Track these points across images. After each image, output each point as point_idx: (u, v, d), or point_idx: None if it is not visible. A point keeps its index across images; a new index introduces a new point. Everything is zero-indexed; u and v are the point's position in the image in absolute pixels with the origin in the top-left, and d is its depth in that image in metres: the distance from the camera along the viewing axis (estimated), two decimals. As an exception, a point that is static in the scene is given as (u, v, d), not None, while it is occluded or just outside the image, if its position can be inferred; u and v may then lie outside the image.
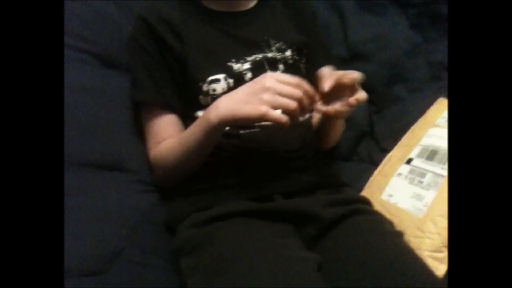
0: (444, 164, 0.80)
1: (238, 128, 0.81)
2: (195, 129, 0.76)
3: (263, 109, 0.66)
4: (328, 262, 0.68)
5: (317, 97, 0.71)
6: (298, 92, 0.67)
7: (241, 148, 0.80)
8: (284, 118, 0.66)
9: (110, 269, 0.69)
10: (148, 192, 0.84)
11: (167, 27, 0.82)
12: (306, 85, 0.69)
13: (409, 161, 0.85)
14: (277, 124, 0.67)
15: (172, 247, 0.75)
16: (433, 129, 0.87)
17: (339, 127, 0.94)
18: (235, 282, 0.60)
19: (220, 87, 0.81)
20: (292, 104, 0.66)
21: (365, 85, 1.09)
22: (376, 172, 0.91)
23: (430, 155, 0.83)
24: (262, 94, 0.67)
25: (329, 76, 0.72)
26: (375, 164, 0.94)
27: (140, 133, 0.87)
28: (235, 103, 0.70)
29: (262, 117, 0.66)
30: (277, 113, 0.66)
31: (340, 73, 0.72)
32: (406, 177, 0.84)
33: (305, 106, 0.68)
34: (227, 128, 0.80)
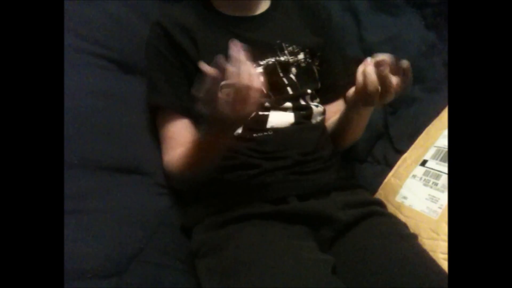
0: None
1: (252, 132, 0.82)
2: (206, 148, 0.76)
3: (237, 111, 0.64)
4: (343, 264, 0.69)
5: None
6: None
7: (256, 150, 0.81)
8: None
9: (128, 270, 0.70)
10: (166, 195, 0.86)
11: (182, 32, 0.84)
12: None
13: (423, 163, 0.85)
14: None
15: (188, 249, 0.77)
16: (446, 130, 0.86)
17: (362, 125, 0.94)
18: (252, 284, 0.61)
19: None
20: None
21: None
22: (390, 174, 0.90)
23: (445, 156, 0.82)
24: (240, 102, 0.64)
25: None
26: (390, 165, 0.94)
27: (157, 137, 0.88)
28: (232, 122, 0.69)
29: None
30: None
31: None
32: (421, 179, 0.83)
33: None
34: (240, 131, 0.81)
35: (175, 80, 0.84)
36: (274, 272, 0.62)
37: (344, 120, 0.88)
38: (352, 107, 0.83)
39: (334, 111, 0.95)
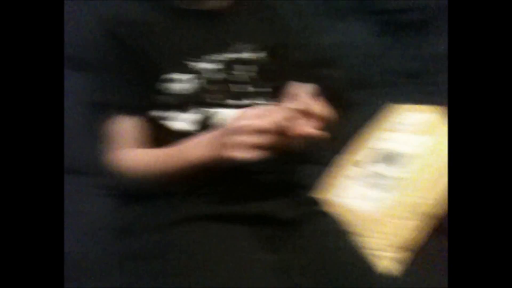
0: (393, 166, 0.82)
1: (204, 129, 0.80)
2: (174, 161, 0.76)
3: (231, 153, 0.65)
4: (285, 263, 0.71)
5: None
6: (268, 125, 0.65)
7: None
8: (252, 154, 0.64)
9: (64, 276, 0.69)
10: (106, 196, 0.84)
11: (135, 28, 0.82)
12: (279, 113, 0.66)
13: (358, 164, 0.88)
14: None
15: (130, 252, 0.75)
16: (384, 133, 0.89)
17: None
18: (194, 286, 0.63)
19: (186, 86, 0.80)
20: (263, 139, 0.64)
21: (327, 90, 1.12)
22: (329, 174, 0.93)
23: (380, 158, 0.85)
24: (232, 137, 0.66)
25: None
26: (330, 166, 0.96)
27: (98, 136, 0.85)
28: (212, 146, 0.70)
29: (233, 160, 0.66)
30: (243, 154, 0.64)
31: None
32: (357, 179, 0.86)
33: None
34: (190, 129, 0.80)
35: (126, 77, 0.82)
36: (214, 274, 0.63)
37: None
38: None
39: None
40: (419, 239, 0.77)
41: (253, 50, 0.87)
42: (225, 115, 0.82)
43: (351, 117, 1.11)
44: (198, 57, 0.82)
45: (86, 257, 0.74)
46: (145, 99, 0.83)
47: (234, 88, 0.84)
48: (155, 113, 0.83)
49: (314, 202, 0.84)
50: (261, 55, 0.88)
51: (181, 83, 0.81)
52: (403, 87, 1.02)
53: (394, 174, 0.81)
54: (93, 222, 0.79)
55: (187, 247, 0.69)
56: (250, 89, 0.85)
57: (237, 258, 0.67)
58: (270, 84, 0.88)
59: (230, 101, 0.82)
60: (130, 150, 0.81)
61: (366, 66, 1.17)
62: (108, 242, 0.79)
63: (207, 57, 0.83)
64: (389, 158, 0.85)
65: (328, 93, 1.09)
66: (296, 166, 0.95)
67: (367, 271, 0.69)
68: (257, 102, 0.85)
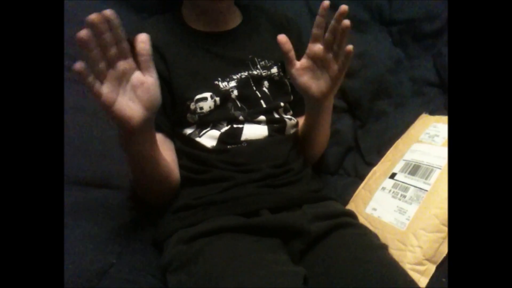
0: (426, 179, 0.82)
1: (226, 144, 0.83)
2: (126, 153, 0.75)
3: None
4: (315, 276, 0.70)
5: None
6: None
7: (229, 163, 0.82)
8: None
9: (98, 286, 0.69)
10: (137, 209, 0.85)
11: (153, 50, 0.83)
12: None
13: (392, 176, 0.87)
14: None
15: (160, 263, 0.76)
16: (416, 145, 0.89)
17: (326, 132, 0.96)
18: None
19: (207, 105, 0.83)
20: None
21: (350, 101, 1.13)
22: (360, 186, 0.92)
23: (413, 170, 0.85)
24: None
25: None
26: (361, 177, 0.95)
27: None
28: None
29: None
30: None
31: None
32: (389, 191, 0.85)
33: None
34: (215, 144, 0.81)
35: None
36: (245, 286, 0.62)
37: (309, 122, 0.90)
38: (312, 101, 0.83)
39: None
40: (445, 252, 0.77)
41: (264, 67, 0.89)
42: (246, 130, 0.84)
43: (374, 126, 1.12)
44: (217, 77, 0.85)
45: (116, 268, 0.74)
46: (172, 117, 0.85)
47: (248, 104, 0.86)
48: (181, 129, 0.85)
49: (345, 214, 0.84)
50: (273, 70, 0.90)
51: (203, 102, 0.83)
52: (428, 96, 1.02)
53: (425, 187, 0.80)
54: (124, 234, 0.79)
55: (215, 257, 0.69)
56: (263, 104, 0.87)
57: (266, 270, 0.66)
58: (282, 99, 0.89)
59: (245, 117, 0.85)
60: None
61: (386, 76, 1.17)
62: (139, 254, 0.79)
63: (225, 76, 0.85)
64: (416, 169, 0.84)
65: (350, 103, 1.11)
66: (327, 177, 0.96)
67: (397, 284, 0.68)
68: (270, 117, 0.87)
